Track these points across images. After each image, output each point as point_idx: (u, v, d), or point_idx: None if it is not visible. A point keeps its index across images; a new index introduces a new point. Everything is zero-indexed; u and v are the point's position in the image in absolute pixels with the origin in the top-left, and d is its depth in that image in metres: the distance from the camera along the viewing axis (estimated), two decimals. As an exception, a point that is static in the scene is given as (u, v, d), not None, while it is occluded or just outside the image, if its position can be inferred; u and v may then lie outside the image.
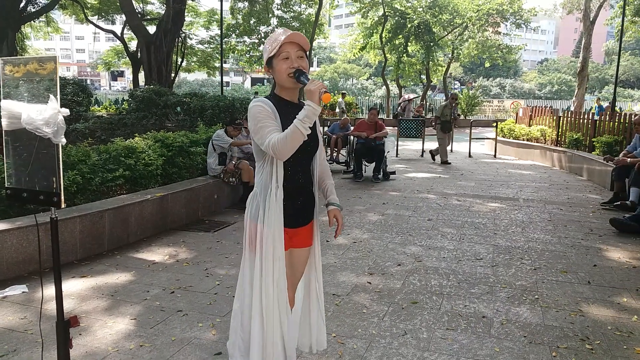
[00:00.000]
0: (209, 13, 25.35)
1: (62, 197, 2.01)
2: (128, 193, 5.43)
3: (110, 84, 64.98)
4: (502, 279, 4.05)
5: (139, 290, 3.74)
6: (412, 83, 36.99)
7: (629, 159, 6.53)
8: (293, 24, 25.09)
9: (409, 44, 28.55)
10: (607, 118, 10.09)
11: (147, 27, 17.65)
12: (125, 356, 2.77)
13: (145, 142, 6.16)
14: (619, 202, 6.55)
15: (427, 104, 29.57)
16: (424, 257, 4.60)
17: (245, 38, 26.73)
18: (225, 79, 39.11)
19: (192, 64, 27.05)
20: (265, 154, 2.10)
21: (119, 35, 21.87)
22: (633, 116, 8.44)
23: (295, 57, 2.08)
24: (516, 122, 14.41)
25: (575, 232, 5.49)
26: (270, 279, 2.11)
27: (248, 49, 27.26)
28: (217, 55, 25.17)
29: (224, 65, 24.45)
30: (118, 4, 17.70)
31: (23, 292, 3.65)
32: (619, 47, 20.34)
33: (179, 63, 19.96)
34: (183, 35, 19.41)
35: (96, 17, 23.13)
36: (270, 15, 25.15)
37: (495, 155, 12.81)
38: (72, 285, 3.79)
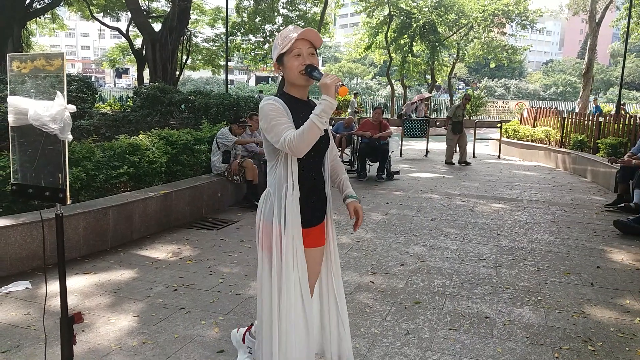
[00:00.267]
0: (214, 11, 25.37)
1: (68, 193, 2.01)
2: (132, 190, 5.45)
3: (115, 81, 65.12)
4: (505, 279, 4.05)
5: (142, 287, 3.75)
6: (416, 83, 36.95)
7: (633, 161, 6.51)
8: (298, 22, 25.06)
9: (414, 43, 28.51)
10: (612, 120, 10.06)
11: (153, 25, 17.68)
12: (128, 353, 2.78)
13: (150, 139, 6.17)
14: (622, 204, 6.53)
15: (432, 104, 29.52)
16: (427, 257, 4.59)
17: (251, 36, 26.76)
18: (230, 77, 39.15)
19: (197, 61, 27.07)
20: (278, 153, 2.06)
21: (124, 32, 21.92)
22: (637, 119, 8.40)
23: (306, 54, 2.04)
24: (520, 123, 14.37)
25: (578, 234, 5.47)
26: (292, 279, 2.05)
27: (253, 47, 27.28)
28: (222, 54, 25.19)
29: (229, 63, 24.47)
30: (124, 1, 17.74)
31: (26, 288, 3.66)
32: (625, 49, 20.24)
33: (184, 61, 19.98)
34: (188, 33, 19.42)
35: (102, 14, 23.20)
36: (275, 13, 25.16)
37: (499, 156, 12.78)
38: (76, 282, 3.81)
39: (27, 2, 16.84)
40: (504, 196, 7.56)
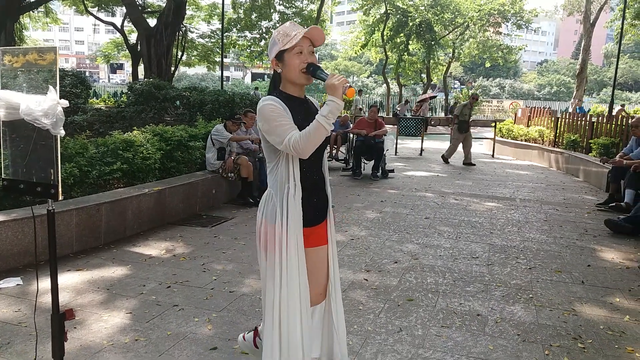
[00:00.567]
0: (210, 7, 25.28)
1: (60, 189, 2.00)
2: (125, 187, 5.43)
3: (109, 77, 64.70)
4: (498, 277, 4.07)
5: (135, 284, 3.74)
6: (412, 82, 37.02)
7: (624, 161, 6.56)
8: (295, 19, 25.04)
9: (410, 42, 28.59)
10: (605, 120, 10.13)
11: (148, 20, 17.58)
12: (120, 350, 2.77)
13: (144, 135, 6.15)
14: (614, 204, 6.58)
15: (427, 103, 29.59)
16: (420, 255, 4.61)
17: (247, 33, 26.71)
18: (226, 73, 39.04)
19: (193, 57, 26.98)
20: (279, 154, 2.04)
21: (119, 27, 21.78)
22: (630, 119, 8.46)
23: (307, 52, 2.02)
24: (515, 123, 14.44)
25: (570, 233, 5.51)
26: (295, 279, 2.04)
27: (249, 43, 27.23)
28: (218, 50, 25.12)
29: (225, 59, 24.39)
30: (118, -4, 17.64)
31: (18, 284, 3.64)
32: (618, 50, 20.37)
33: (179, 57, 19.90)
34: (184, 28, 19.33)
35: (96, 8, 23.04)
36: (272, 10, 25.10)
37: (493, 155, 12.83)
38: (68, 279, 3.79)
39: (20, -5, 16.69)
40: (497, 195, 7.60)
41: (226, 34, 24.40)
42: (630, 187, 6.28)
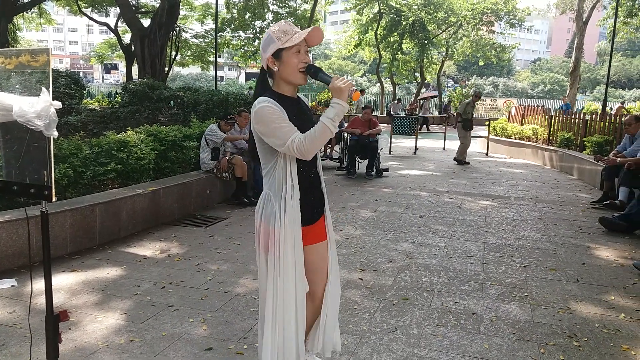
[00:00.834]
0: (203, 7, 25.18)
1: (53, 191, 1.99)
2: (120, 187, 5.41)
3: (103, 77, 64.36)
4: (492, 276, 4.09)
5: (129, 285, 3.73)
6: (406, 81, 37.07)
7: (618, 159, 6.60)
8: (288, 19, 25.00)
9: (404, 41, 28.63)
10: (598, 118, 10.19)
11: (142, 20, 17.51)
12: (115, 351, 2.76)
13: (138, 135, 6.13)
14: (608, 201, 6.62)
15: (421, 102, 29.66)
16: (415, 254, 4.62)
17: (240, 33, 26.63)
18: (220, 73, 38.98)
19: (187, 58, 26.87)
20: (276, 155, 2.03)
21: (113, 27, 21.68)
22: (623, 117, 8.52)
23: (304, 51, 2.02)
24: (508, 121, 14.48)
25: (564, 231, 5.54)
26: (291, 281, 2.05)
27: (243, 43, 27.15)
28: (212, 50, 25.05)
29: (218, 59, 24.32)
30: (112, -4, 17.56)
31: (12, 285, 3.62)
32: (611, 48, 20.49)
33: (173, 57, 19.83)
34: (177, 28, 19.26)
35: (90, 9, 22.90)
36: (265, 10, 25.06)
37: (487, 154, 12.88)
38: (62, 280, 3.78)
39: (13, -5, 16.60)
40: (491, 193, 7.63)
41: (220, 33, 24.34)
42: (624, 185, 6.32)
